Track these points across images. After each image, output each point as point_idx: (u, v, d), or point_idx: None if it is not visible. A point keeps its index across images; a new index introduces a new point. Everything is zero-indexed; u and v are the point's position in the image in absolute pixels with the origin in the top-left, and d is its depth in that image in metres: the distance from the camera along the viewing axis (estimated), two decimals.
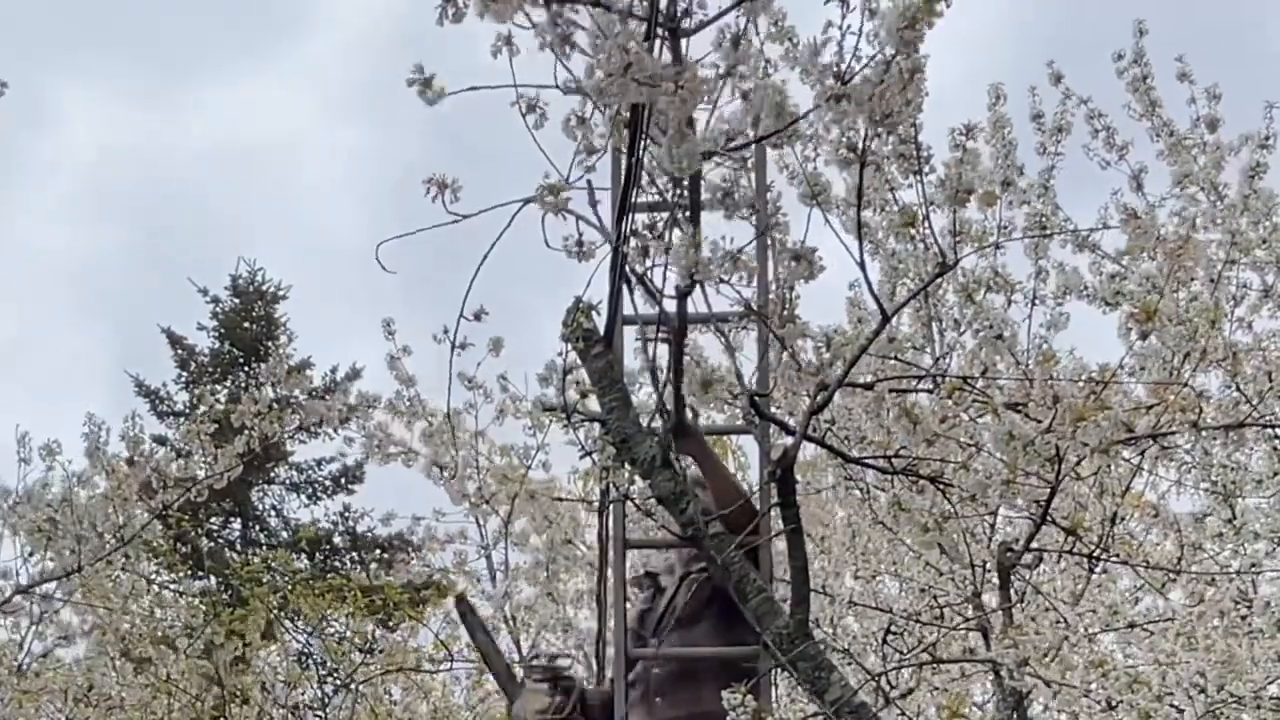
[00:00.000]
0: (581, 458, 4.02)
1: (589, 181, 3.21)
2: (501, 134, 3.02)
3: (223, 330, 20.93)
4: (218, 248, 28.69)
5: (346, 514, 20.49)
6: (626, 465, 3.80)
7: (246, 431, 7.19)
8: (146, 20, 29.53)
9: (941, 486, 3.66)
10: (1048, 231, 5.69)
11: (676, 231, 3.11)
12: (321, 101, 30.39)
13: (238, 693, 9.24)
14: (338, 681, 10.46)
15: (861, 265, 3.33)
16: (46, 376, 27.98)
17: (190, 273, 22.68)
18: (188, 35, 29.23)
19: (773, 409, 3.81)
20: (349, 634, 10.37)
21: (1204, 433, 3.79)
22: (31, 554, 7.44)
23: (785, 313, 3.31)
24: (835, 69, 2.74)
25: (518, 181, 3.21)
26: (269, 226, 29.89)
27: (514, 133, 2.90)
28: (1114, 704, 4.78)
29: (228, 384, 20.39)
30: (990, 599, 5.19)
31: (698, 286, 3.20)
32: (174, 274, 30.02)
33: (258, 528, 20.49)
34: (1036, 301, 5.41)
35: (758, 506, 3.89)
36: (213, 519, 19.74)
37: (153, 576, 9.01)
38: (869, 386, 3.70)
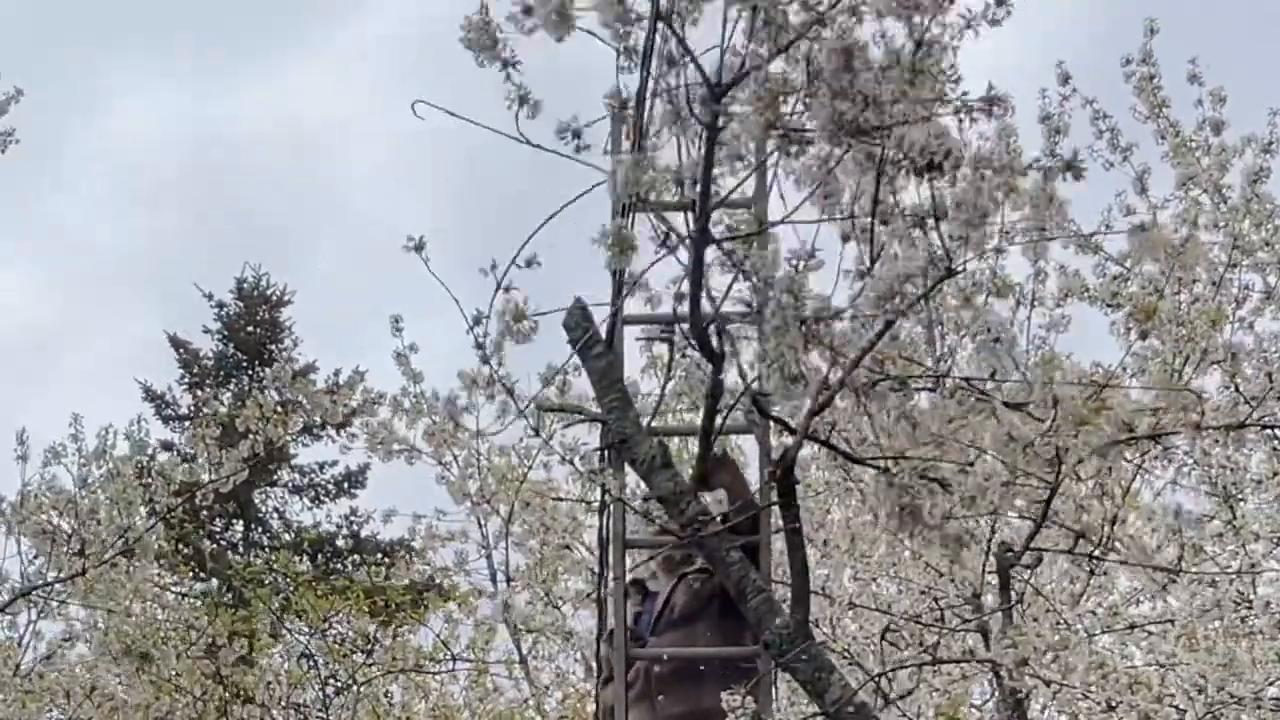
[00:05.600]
0: (562, 463, 4.01)
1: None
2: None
3: (226, 334, 20.97)
4: (256, 239, 28.47)
5: (352, 518, 20.50)
6: (619, 467, 3.80)
7: (251, 436, 7.19)
8: (188, 7, 29.48)
9: (945, 489, 3.65)
10: (1049, 234, 5.67)
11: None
12: (371, 88, 30.13)
13: (240, 692, 9.25)
14: (339, 683, 10.46)
15: (869, 270, 3.33)
16: (90, 365, 28.05)
17: (234, 263, 22.35)
18: (235, 21, 29.12)
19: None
20: (350, 635, 10.38)
21: (1204, 433, 3.79)
22: (36, 556, 7.45)
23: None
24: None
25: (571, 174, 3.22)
26: (314, 216, 29.84)
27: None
28: (1114, 705, 4.78)
29: (231, 387, 20.44)
30: (990, 599, 5.19)
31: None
32: (206, 271, 29.88)
33: (260, 530, 20.49)
34: (1035, 303, 5.41)
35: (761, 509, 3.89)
36: (215, 521, 19.74)
37: (156, 579, 9.01)
38: (871, 386, 3.69)
